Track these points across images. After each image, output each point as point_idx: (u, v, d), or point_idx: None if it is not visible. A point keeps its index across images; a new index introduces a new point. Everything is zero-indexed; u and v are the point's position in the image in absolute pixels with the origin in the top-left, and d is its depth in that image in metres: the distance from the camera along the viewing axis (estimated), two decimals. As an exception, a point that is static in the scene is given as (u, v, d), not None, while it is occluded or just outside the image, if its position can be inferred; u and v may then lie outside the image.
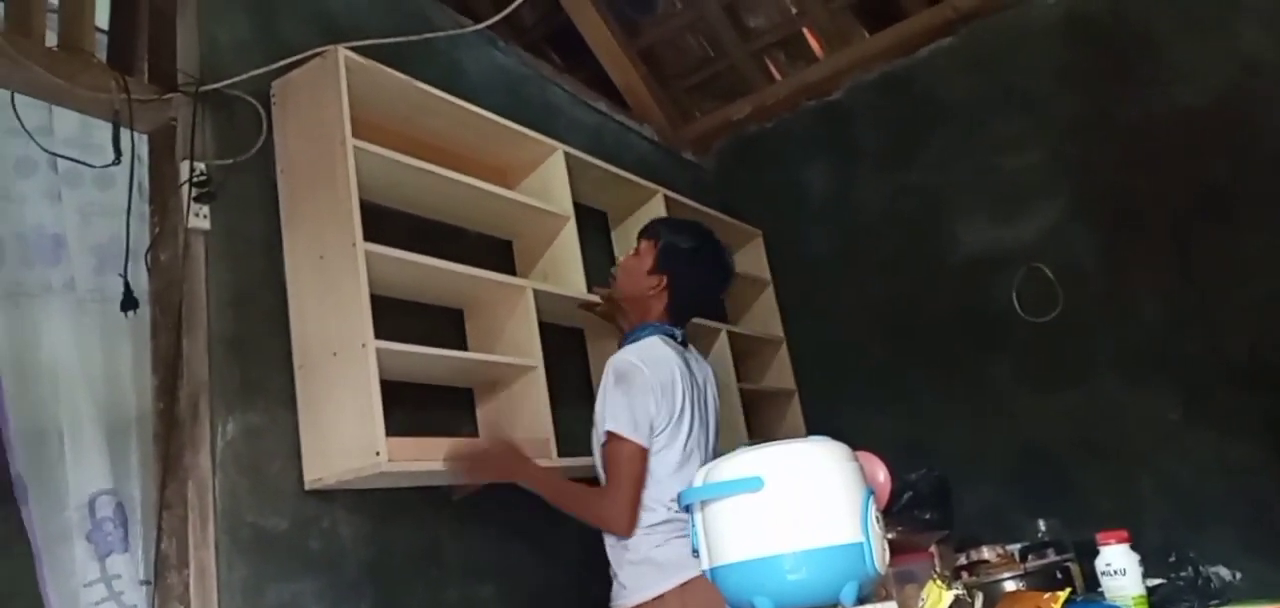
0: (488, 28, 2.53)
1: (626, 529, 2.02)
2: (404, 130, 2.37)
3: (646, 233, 2.28)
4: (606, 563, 2.14)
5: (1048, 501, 2.79)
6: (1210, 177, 2.99)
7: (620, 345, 2.22)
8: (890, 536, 1.41)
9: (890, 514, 1.65)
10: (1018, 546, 2.19)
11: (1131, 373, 3.02)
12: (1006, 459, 3.15)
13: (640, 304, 2.21)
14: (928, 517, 2.07)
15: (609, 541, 2.11)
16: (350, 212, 2.01)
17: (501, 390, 2.42)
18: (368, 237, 2.02)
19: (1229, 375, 2.88)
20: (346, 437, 1.93)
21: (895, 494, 1.77)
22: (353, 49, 2.14)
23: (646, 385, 2.02)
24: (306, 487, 1.99)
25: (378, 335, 1.96)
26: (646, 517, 2.03)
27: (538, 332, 2.39)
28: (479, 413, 2.46)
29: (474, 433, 2.45)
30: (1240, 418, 2.83)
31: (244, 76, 2.10)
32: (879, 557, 1.31)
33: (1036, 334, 3.18)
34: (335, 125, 2.07)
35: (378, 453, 1.88)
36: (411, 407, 2.17)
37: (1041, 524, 2.26)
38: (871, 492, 1.36)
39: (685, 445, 2.07)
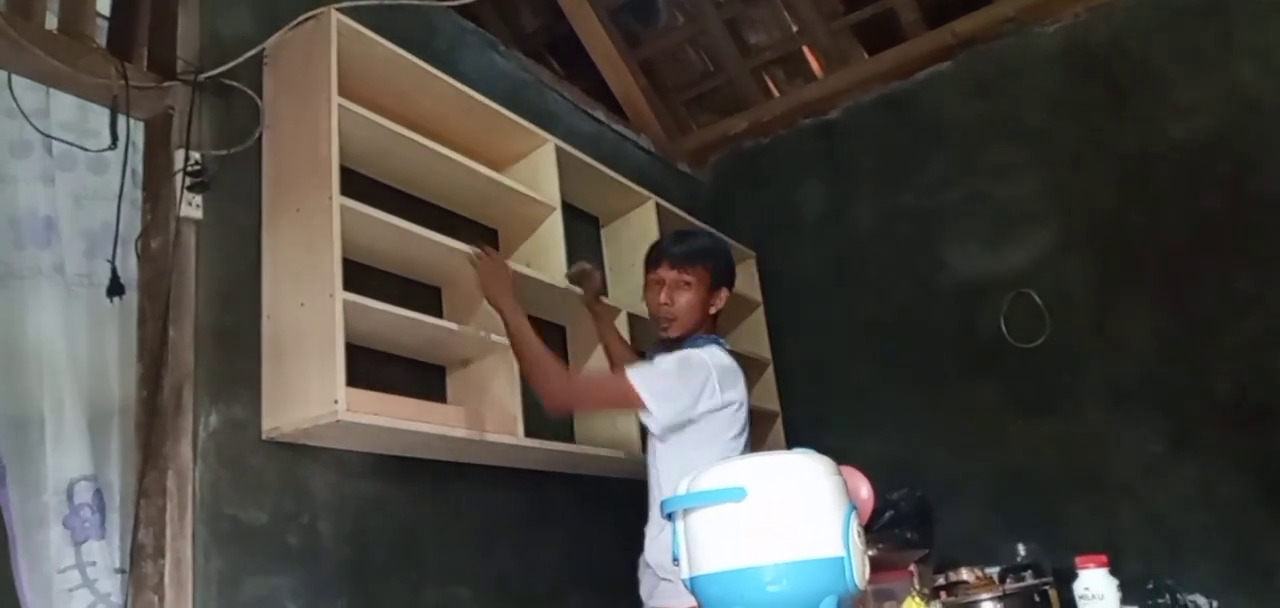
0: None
1: (552, 408, 2.17)
2: (397, 108, 2.37)
3: (691, 259, 2.26)
4: (590, 571, 2.12)
5: (1029, 526, 2.77)
6: (1203, 212, 2.99)
7: (671, 349, 2.21)
8: (870, 553, 1.41)
9: (870, 532, 1.66)
10: (996, 568, 2.20)
11: (1117, 403, 3.02)
12: (989, 483, 3.14)
13: (702, 325, 2.28)
14: (908, 536, 2.08)
15: (654, 542, 2.12)
16: (330, 166, 2.01)
17: (473, 365, 2.41)
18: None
19: (1215, 411, 2.88)
20: (308, 386, 1.92)
21: (876, 513, 1.78)
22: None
23: (699, 382, 2.08)
24: (263, 436, 1.97)
25: (352, 300, 1.96)
26: None
27: None
28: (449, 388, 2.45)
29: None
30: (1225, 454, 2.83)
31: (240, 60, 2.10)
32: (860, 572, 1.31)
33: (1023, 360, 3.18)
34: (322, 83, 2.07)
35: (336, 401, 1.86)
36: (382, 385, 2.14)
37: (1021, 547, 2.26)
38: (854, 507, 1.35)
39: (742, 445, 2.13)
